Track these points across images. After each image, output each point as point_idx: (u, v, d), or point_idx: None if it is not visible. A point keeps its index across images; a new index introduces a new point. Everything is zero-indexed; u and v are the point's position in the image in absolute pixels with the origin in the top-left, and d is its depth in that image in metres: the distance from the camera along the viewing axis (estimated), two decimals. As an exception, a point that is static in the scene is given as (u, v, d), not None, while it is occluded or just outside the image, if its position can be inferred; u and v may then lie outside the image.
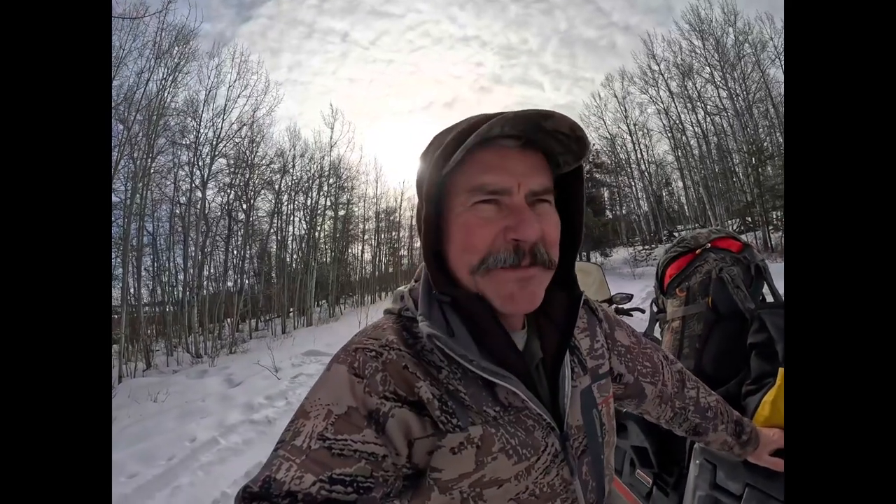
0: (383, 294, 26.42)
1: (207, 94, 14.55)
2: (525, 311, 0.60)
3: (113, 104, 10.66)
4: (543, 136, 0.58)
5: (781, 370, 1.00)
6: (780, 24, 19.11)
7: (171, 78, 12.69)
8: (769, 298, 1.33)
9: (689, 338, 1.34)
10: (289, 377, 7.05)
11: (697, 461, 1.14)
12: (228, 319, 14.73)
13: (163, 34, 12.46)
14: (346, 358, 0.58)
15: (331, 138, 19.61)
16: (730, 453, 0.93)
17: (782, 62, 19.14)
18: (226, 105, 14.90)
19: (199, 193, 14.05)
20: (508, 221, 0.57)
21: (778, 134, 19.87)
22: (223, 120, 14.71)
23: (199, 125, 14.18)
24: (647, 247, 22.43)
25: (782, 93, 19.68)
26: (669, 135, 23.45)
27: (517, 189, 0.57)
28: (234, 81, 15.35)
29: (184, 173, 14.16)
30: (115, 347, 11.43)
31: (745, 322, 1.21)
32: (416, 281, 0.69)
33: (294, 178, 18.55)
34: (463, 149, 0.54)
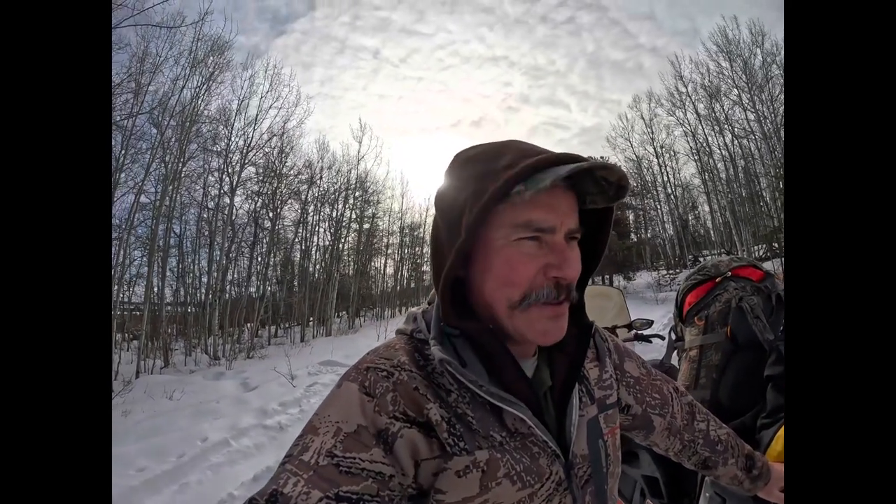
0: (403, 308, 26.48)
1: (240, 103, 14.89)
2: (553, 342, 0.61)
3: (147, 108, 11.03)
4: (584, 178, 0.60)
5: None
6: None
7: (205, 86, 13.07)
8: None
9: (706, 367, 1.31)
10: (304, 385, 7.08)
11: (707, 494, 1.12)
12: (248, 324, 14.91)
13: (198, 44, 12.87)
14: (357, 376, 0.59)
15: (358, 152, 19.85)
16: (740, 488, 0.90)
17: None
18: (257, 115, 15.22)
19: (227, 200, 14.37)
20: (549, 259, 0.58)
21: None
22: (254, 129, 15.04)
23: (231, 133, 14.53)
24: (671, 271, 22.09)
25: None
26: (696, 157, 23.20)
27: (560, 228, 0.58)
28: (267, 92, 15.69)
29: (213, 179, 14.52)
30: (134, 343, 11.67)
31: (763, 353, 1.18)
32: (429, 303, 0.70)
33: (321, 189, 18.82)
34: (534, 189, 0.55)
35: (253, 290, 16.68)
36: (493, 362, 0.60)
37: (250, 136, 14.86)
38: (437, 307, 0.64)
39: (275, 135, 15.72)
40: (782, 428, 0.98)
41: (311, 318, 17.74)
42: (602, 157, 26.81)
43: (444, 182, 0.66)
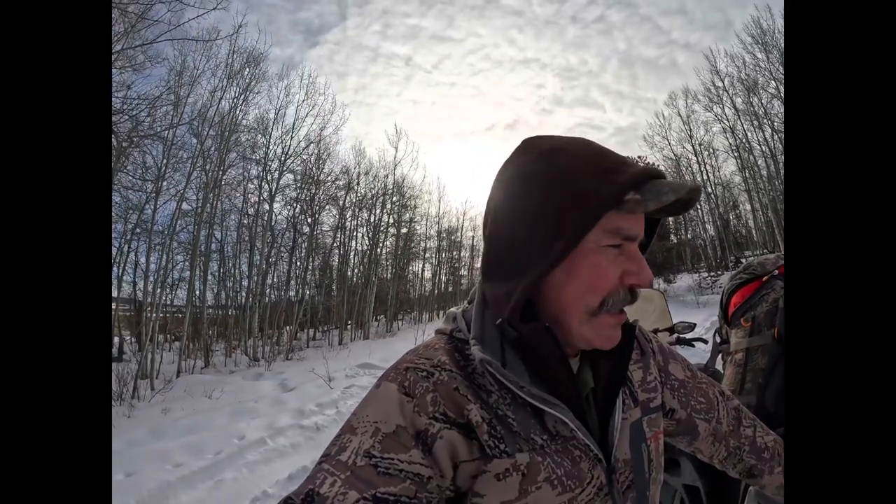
0: (441, 312, 26.63)
1: (276, 112, 15.33)
2: (608, 346, 0.60)
3: (187, 119, 11.48)
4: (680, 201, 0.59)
5: None
6: None
7: (242, 97, 13.51)
8: None
9: (752, 371, 1.26)
10: (341, 387, 7.20)
11: None
12: (287, 327, 15.26)
13: (234, 56, 13.32)
14: (396, 377, 0.58)
15: (395, 157, 20.14)
16: None
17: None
18: (294, 123, 15.65)
19: (266, 206, 14.79)
20: (627, 266, 0.58)
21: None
22: (291, 137, 15.44)
23: (269, 142, 14.99)
24: (712, 273, 21.44)
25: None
26: (736, 154, 22.54)
27: (640, 236, 0.59)
28: (302, 101, 16.10)
29: (252, 186, 15.02)
30: (176, 344, 12.07)
31: None
32: (468, 302, 0.68)
33: (358, 194, 19.12)
34: (656, 200, 0.55)
35: (292, 293, 17.12)
36: (540, 363, 0.58)
37: (288, 143, 15.32)
38: (479, 303, 0.63)
39: (312, 142, 16.15)
40: None
41: (350, 322, 18.03)
42: (639, 157, 26.37)
43: (517, 169, 0.62)
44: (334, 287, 20.43)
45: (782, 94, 19.32)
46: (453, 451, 0.54)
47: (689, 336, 2.86)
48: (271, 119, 15.22)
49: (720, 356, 1.49)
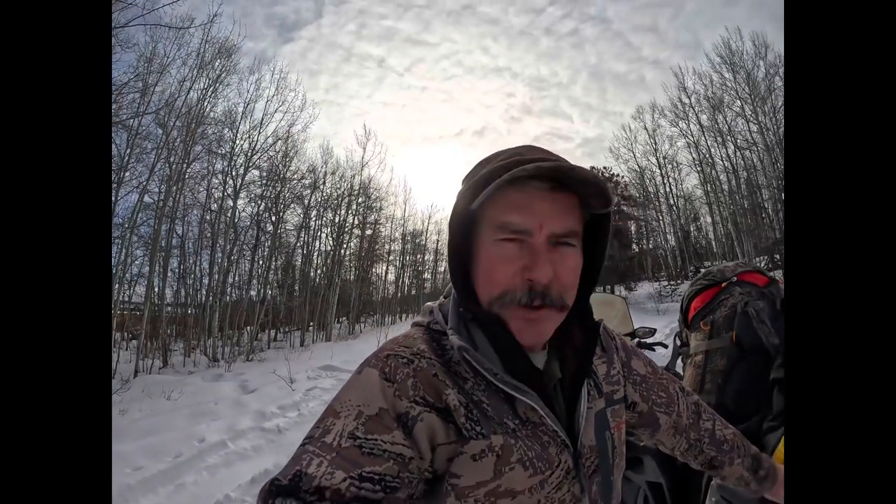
0: (404, 316, 26.59)
1: (245, 107, 14.96)
2: (531, 346, 0.63)
3: (154, 108, 11.07)
4: (573, 182, 0.60)
5: None
6: None
7: (211, 89, 13.13)
8: None
9: (711, 372, 1.32)
10: (303, 389, 7.09)
11: (713, 499, 1.13)
12: (248, 327, 14.90)
13: (206, 46, 12.93)
14: (377, 363, 0.60)
15: (362, 157, 19.93)
16: (747, 489, 0.90)
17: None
18: (263, 119, 15.28)
19: (230, 202, 14.40)
20: (526, 261, 0.60)
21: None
22: (259, 133, 15.07)
23: (236, 136, 14.58)
24: (672, 282, 22.12)
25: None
26: (699, 169, 23.32)
27: (539, 231, 0.59)
28: (272, 97, 15.75)
29: (217, 181, 14.56)
30: (133, 343, 11.65)
31: (768, 357, 1.19)
32: (444, 297, 0.72)
33: (324, 194, 18.85)
34: (488, 191, 0.57)
35: (253, 293, 16.70)
36: (504, 349, 0.61)
37: (255, 139, 14.94)
38: (454, 299, 0.67)
39: (279, 139, 15.80)
40: None
41: (312, 323, 17.76)
42: (605, 168, 26.98)
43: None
44: (296, 288, 20.07)
45: (747, 114, 20.18)
46: (432, 433, 0.56)
47: (649, 341, 2.95)
48: (239, 113, 14.83)
49: (680, 358, 1.55)
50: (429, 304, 0.72)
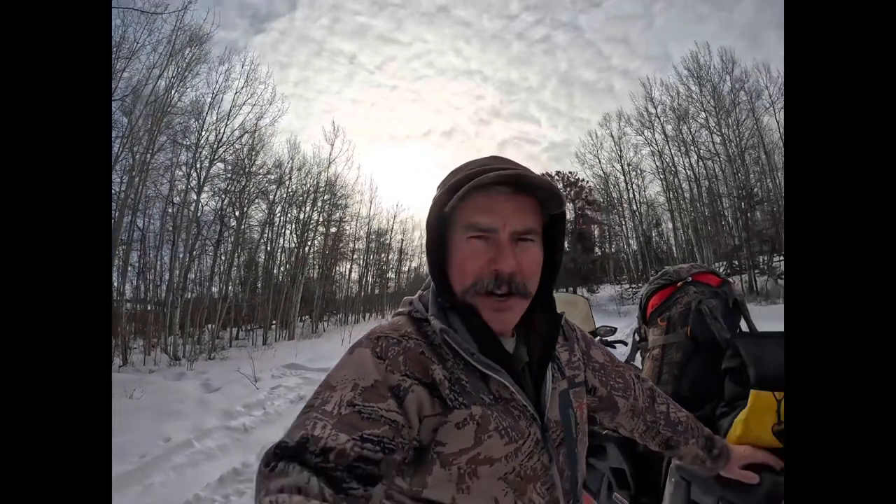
0: (368, 315, 26.25)
1: (213, 97, 14.47)
2: (500, 331, 0.72)
3: (121, 95, 10.63)
4: (530, 187, 0.70)
5: (753, 392, 1.08)
6: (775, 73, 19.83)
7: (180, 77, 12.67)
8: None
9: (668, 364, 1.41)
10: (268, 388, 6.99)
11: (673, 479, 1.21)
12: (209, 325, 14.50)
13: (178, 33, 12.48)
14: (368, 343, 0.68)
15: (330, 154, 19.65)
16: (703, 467, 1.00)
17: (776, 111, 19.69)
18: (230, 111, 14.83)
19: (193, 195, 13.95)
20: (492, 255, 0.69)
21: (768, 180, 20.45)
22: (226, 125, 14.62)
23: (202, 127, 14.09)
24: (633, 285, 22.78)
25: (774, 140, 20.28)
26: (662, 176, 23.89)
27: (503, 229, 0.69)
28: (242, 88, 15.30)
29: (181, 173, 14.06)
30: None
31: (720, 351, 1.28)
32: (423, 290, 0.80)
33: (289, 190, 18.46)
34: (458, 196, 0.67)
35: (215, 289, 16.25)
36: (478, 334, 0.70)
37: (222, 131, 14.47)
38: (433, 290, 0.75)
39: (247, 132, 15.35)
40: (740, 414, 1.08)
41: (274, 321, 17.39)
42: (570, 173, 27.46)
43: None
44: (259, 285, 19.57)
45: (711, 126, 20.76)
46: (420, 405, 0.63)
47: (610, 338, 3.07)
48: (207, 104, 14.30)
49: (639, 353, 1.64)
50: (407, 297, 0.80)
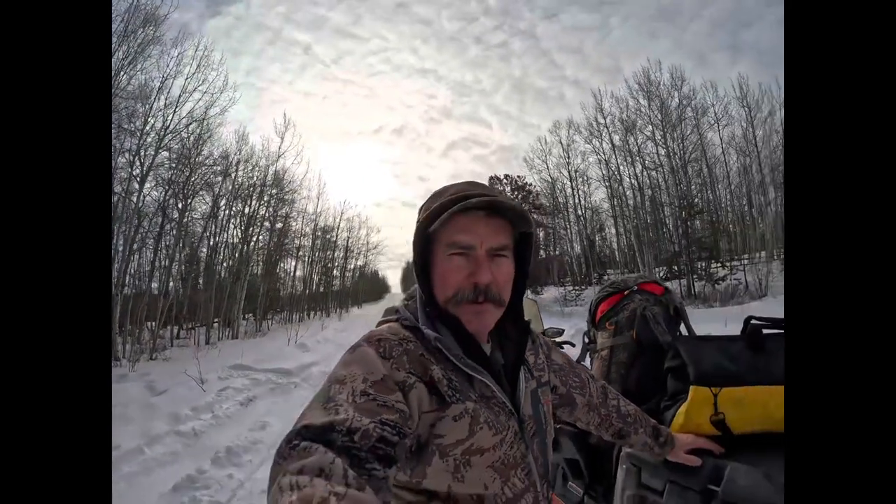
0: (312, 314, 25.60)
1: (163, 82, 13.45)
2: (477, 334, 0.81)
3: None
4: (503, 210, 0.80)
5: (692, 388, 1.21)
6: (721, 91, 21.15)
7: (129, 59, 11.77)
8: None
9: (616, 364, 1.57)
10: (215, 390, 6.77)
11: (624, 466, 1.33)
12: (149, 323, 13.80)
13: (133, 12, 11.62)
14: (371, 345, 0.75)
15: (280, 147, 18.96)
16: (651, 454, 1.15)
17: (720, 128, 20.86)
18: (180, 97, 13.86)
19: (135, 184, 13.03)
20: (471, 269, 0.79)
21: (709, 192, 21.69)
22: (174, 112, 13.62)
23: (148, 113, 13.01)
24: (577, 287, 23.48)
25: (717, 154, 21.53)
26: (607, 184, 24.80)
27: (480, 246, 0.79)
28: (193, 74, 14.33)
29: (124, 160, 13.09)
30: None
31: (662, 352, 1.43)
32: (408, 300, 0.89)
33: (235, 183, 17.58)
34: (442, 219, 0.76)
35: (155, 285, 15.43)
36: (465, 343, 0.79)
37: (169, 118, 13.46)
38: (421, 300, 0.84)
39: (195, 120, 14.37)
40: (681, 407, 1.23)
41: (217, 319, 16.70)
42: (519, 177, 27.96)
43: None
44: (201, 281, 18.53)
45: (657, 138, 21.65)
46: (420, 402, 0.70)
47: (558, 340, 3.26)
48: (155, 88, 13.23)
49: (588, 354, 1.80)
50: (392, 306, 0.90)
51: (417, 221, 0.84)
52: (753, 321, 1.30)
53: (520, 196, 28.15)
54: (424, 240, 0.82)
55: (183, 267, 17.51)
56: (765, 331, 1.27)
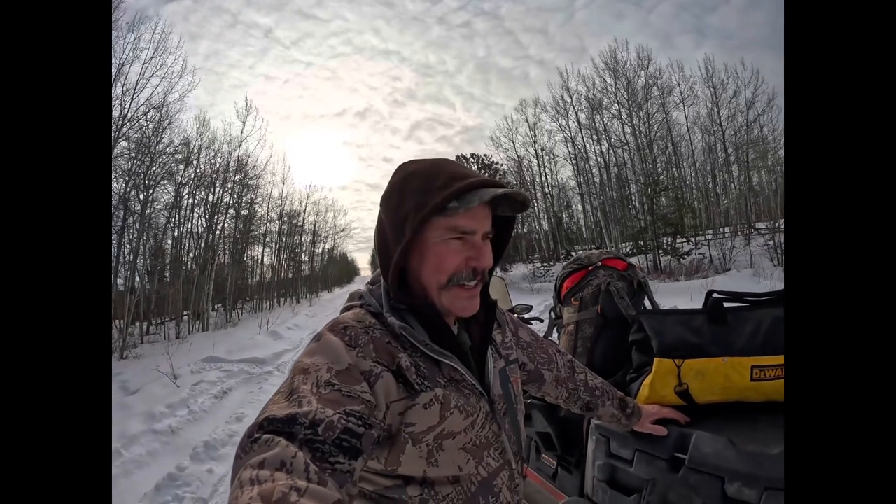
0: (282, 300, 25.21)
1: (119, 68, 12.74)
2: (469, 315, 0.82)
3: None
4: (512, 202, 0.81)
5: (656, 360, 1.25)
6: (688, 72, 21.62)
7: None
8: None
9: (582, 339, 1.62)
10: (189, 385, 6.64)
11: (594, 437, 1.37)
12: (117, 321, 13.37)
13: None
14: (336, 333, 0.73)
15: (242, 132, 18.31)
16: (619, 425, 1.19)
17: (685, 107, 21.25)
18: (137, 83, 13.17)
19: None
20: (470, 253, 0.78)
21: (674, 169, 22.21)
22: (132, 99, 12.95)
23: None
24: (545, 264, 23.72)
25: (682, 133, 22.03)
26: (574, 162, 25.13)
27: (479, 230, 0.79)
28: (150, 59, 13.65)
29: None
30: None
31: (626, 326, 1.48)
32: (372, 284, 0.88)
33: (198, 170, 16.89)
34: (470, 203, 0.74)
35: (120, 281, 14.89)
36: (433, 329, 0.79)
37: (127, 106, 12.82)
38: (384, 289, 0.82)
39: (154, 107, 13.75)
40: (646, 378, 1.27)
41: (186, 312, 16.19)
42: (485, 155, 27.97)
43: (389, 188, 0.83)
44: (167, 274, 17.86)
45: (623, 117, 21.98)
46: (388, 391, 0.69)
47: (527, 316, 3.28)
48: (112, 75, 12.39)
49: (555, 329, 1.84)
50: (356, 290, 0.88)
51: (397, 206, 0.79)
52: (715, 295, 1.32)
53: (486, 175, 28.10)
54: (401, 231, 0.77)
55: (148, 261, 16.89)
56: (726, 304, 1.29)
